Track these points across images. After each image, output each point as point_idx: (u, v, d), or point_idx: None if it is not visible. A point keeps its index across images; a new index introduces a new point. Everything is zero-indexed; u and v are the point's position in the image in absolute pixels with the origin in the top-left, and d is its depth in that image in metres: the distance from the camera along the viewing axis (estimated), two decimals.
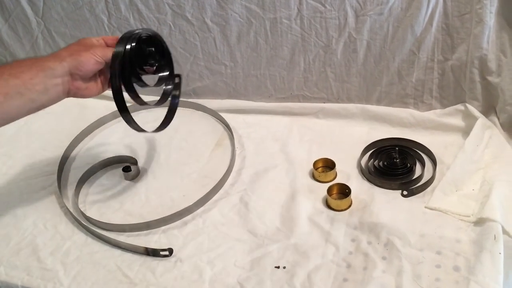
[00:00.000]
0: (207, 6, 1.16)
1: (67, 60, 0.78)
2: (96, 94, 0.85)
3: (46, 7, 1.30)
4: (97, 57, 0.80)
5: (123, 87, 0.84)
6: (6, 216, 0.99)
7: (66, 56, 0.79)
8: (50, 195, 1.04)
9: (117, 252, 0.89)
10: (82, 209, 0.98)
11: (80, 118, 1.27)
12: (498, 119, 1.05)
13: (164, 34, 1.23)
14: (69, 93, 0.81)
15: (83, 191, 1.05)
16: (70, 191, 1.05)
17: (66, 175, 1.10)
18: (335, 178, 1.00)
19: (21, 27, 1.36)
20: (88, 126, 1.23)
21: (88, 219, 0.96)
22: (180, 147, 1.16)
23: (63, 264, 0.87)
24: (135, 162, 1.10)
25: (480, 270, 0.75)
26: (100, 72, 0.85)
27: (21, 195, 1.05)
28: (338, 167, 1.01)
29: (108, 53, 0.81)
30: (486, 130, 1.02)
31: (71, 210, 0.98)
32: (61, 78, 0.78)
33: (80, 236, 0.93)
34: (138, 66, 0.86)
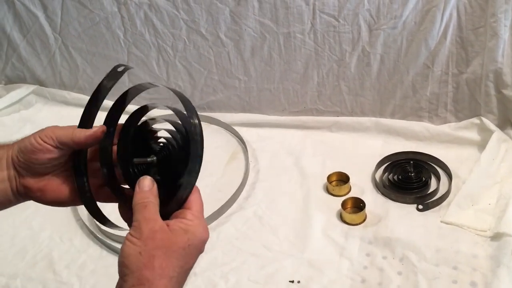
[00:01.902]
0: (221, 21, 1.17)
1: (14, 148, 0.54)
2: (63, 202, 0.57)
3: (64, 23, 1.32)
4: (45, 137, 0.52)
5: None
6: (22, 230, 1.00)
7: (17, 143, 0.54)
8: (66, 208, 1.05)
9: None
10: (97, 223, 0.98)
11: None
12: None
13: (179, 49, 1.25)
14: (19, 193, 0.55)
15: (99, 204, 1.06)
16: None
17: None
18: (349, 192, 1.00)
19: (39, 43, 1.38)
20: None
21: (104, 232, 0.96)
22: None
23: (79, 277, 0.88)
24: None
25: (497, 285, 0.74)
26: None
27: (37, 208, 1.05)
28: (352, 181, 1.00)
29: (75, 134, 0.52)
30: (502, 143, 1.01)
31: (87, 223, 0.98)
32: (7, 171, 0.54)
33: (96, 249, 0.94)
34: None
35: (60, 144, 0.52)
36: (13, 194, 0.55)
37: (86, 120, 0.53)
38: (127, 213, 0.53)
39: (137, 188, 0.51)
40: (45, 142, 0.52)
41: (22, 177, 0.54)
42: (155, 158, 0.53)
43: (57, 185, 0.55)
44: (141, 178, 0.51)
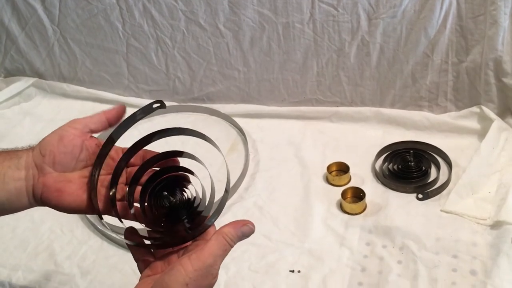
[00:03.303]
0: (219, 12, 1.17)
1: (36, 147, 0.56)
2: (78, 207, 0.57)
3: (62, 15, 1.32)
4: (73, 124, 0.57)
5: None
6: (23, 221, 1.01)
7: (39, 142, 0.57)
8: None
9: None
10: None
11: None
12: None
13: (178, 40, 1.24)
14: (35, 194, 0.56)
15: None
16: None
17: None
18: (349, 181, 1.00)
19: (37, 35, 1.38)
20: (105, 132, 1.24)
21: (104, 223, 0.96)
22: (193, 152, 1.16)
23: (80, 268, 0.88)
24: None
25: (497, 273, 0.74)
26: None
27: None
28: (352, 171, 1.00)
29: (103, 112, 0.59)
30: (502, 132, 1.01)
31: (87, 215, 0.99)
32: (25, 170, 0.55)
33: (96, 241, 0.94)
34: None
35: (92, 124, 0.58)
36: (27, 195, 0.56)
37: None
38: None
39: (237, 226, 0.54)
40: (73, 128, 0.56)
41: (43, 175, 0.55)
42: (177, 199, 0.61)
43: (75, 189, 0.56)
44: (249, 224, 0.56)
